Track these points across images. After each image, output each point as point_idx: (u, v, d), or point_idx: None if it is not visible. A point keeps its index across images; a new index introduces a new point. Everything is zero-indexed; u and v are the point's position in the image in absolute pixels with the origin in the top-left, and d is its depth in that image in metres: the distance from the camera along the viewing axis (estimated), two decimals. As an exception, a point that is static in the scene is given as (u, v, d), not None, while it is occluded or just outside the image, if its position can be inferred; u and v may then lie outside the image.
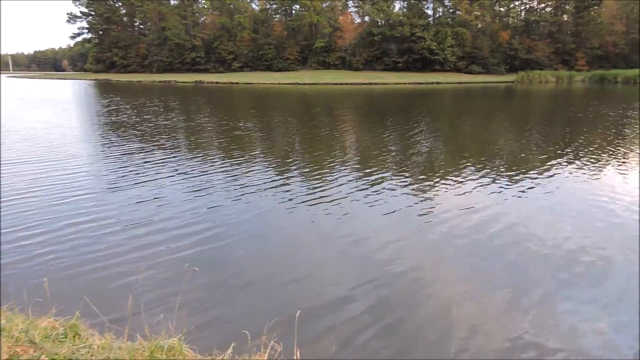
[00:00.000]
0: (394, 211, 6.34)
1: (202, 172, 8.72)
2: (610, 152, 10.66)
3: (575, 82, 53.29)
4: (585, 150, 11.02)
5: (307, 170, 8.99)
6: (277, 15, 79.02)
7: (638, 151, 10.79)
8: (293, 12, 75.85)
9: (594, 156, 10.22)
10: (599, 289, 4.16)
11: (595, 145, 11.65)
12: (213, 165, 9.29)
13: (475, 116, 20.90)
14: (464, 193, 7.30)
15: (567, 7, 69.58)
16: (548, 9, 71.96)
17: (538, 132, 14.74)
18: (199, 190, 7.44)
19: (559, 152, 10.82)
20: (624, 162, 9.60)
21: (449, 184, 7.82)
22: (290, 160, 10.07)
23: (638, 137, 12.93)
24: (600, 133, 14.05)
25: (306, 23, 72.45)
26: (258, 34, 73.75)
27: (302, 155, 10.64)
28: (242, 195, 7.15)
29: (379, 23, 70.79)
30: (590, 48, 65.93)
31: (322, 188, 7.53)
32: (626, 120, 17.19)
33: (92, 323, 3.07)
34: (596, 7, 67.48)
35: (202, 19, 79.64)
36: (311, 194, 7.21)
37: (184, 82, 56.09)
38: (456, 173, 8.67)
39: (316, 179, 8.16)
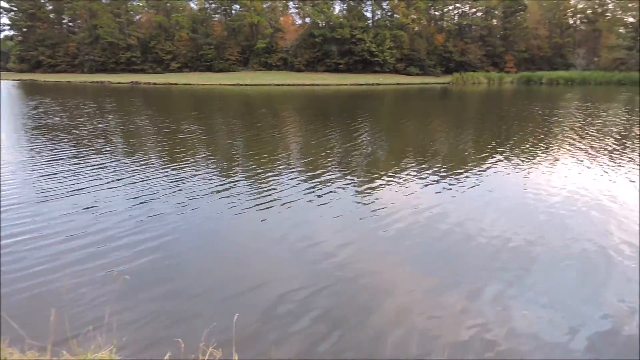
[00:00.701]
0: (341, 214, 6.41)
1: (144, 178, 8.36)
2: (542, 149, 11.41)
3: (505, 83, 56.45)
4: (520, 147, 11.73)
5: (253, 173, 8.88)
6: (217, 15, 77.40)
7: (566, 147, 11.61)
8: (233, 12, 74.68)
9: (528, 153, 10.89)
10: (545, 282, 4.42)
11: (528, 143, 12.44)
12: (155, 171, 8.94)
13: (416, 116, 21.61)
14: (410, 192, 7.52)
15: (496, 12, 73.50)
16: (479, 14, 75.64)
17: (475, 131, 15.50)
18: (140, 197, 7.12)
19: (497, 149, 11.43)
20: (555, 159, 10.29)
21: (395, 184, 8.02)
22: (235, 163, 9.91)
23: (562, 134, 13.90)
24: (531, 131, 15.00)
25: (247, 23, 71.54)
26: (197, 34, 71.86)
27: (247, 158, 10.49)
28: (187, 201, 6.94)
29: (320, 25, 71.30)
30: (518, 51, 70.05)
31: (269, 191, 7.47)
32: (554, 118, 18.47)
33: (13, 340, 2.85)
34: (522, 13, 71.77)
35: (137, 17, 76.38)
36: (258, 197, 7.13)
37: (119, 83, 53.55)
38: (401, 172, 8.90)
39: (263, 183, 8.08)
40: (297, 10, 78.73)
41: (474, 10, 76.53)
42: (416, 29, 74.34)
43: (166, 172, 8.83)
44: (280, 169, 9.18)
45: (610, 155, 10.46)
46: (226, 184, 7.97)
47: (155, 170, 9.00)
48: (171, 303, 3.95)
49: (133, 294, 4.04)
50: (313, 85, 52.32)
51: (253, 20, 70.05)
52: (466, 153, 11.28)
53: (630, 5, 67.86)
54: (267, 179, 8.29)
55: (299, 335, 3.50)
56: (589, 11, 72.29)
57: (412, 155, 10.72)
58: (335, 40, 67.68)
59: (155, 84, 52.46)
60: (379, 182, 8.21)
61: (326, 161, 9.98)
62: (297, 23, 77.72)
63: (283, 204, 6.75)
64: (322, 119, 19.53)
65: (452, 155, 10.91)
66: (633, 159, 9.98)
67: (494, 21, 74.75)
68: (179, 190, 7.52)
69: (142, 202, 6.80)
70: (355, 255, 4.99)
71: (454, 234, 5.62)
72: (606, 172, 8.87)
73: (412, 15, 71.89)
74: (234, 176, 8.58)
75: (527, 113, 21.05)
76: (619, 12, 70.44)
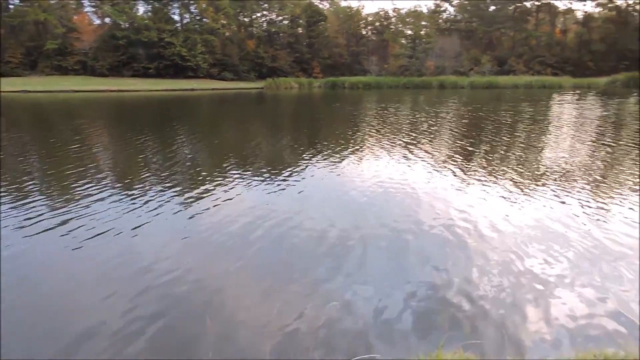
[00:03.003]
0: (163, 228, 5.82)
1: None
2: (352, 145, 12.41)
3: (314, 87, 60.62)
4: (334, 144, 12.55)
5: (52, 191, 7.55)
6: (-11, 10, 65.00)
7: (372, 142, 12.85)
8: (11, 7, 63.63)
9: (341, 149, 11.71)
10: (364, 268, 4.66)
11: (341, 140, 13.42)
12: None
13: (236, 121, 21.53)
14: (232, 197, 7.27)
15: (301, 21, 78.54)
16: (285, 22, 79.73)
17: (293, 132, 16.12)
18: None
19: (315, 147, 11.99)
20: (364, 153, 11.27)
21: (219, 190, 7.69)
22: (29, 184, 8.23)
23: (368, 131, 15.42)
24: (342, 129, 16.27)
25: (30, 21, 61.77)
26: (-38, 31, 59.20)
27: (46, 178, 8.86)
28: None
29: (123, 26, 65.84)
30: (323, 58, 76.15)
31: (78, 214, 6.38)
32: (360, 118, 20.42)
33: None
34: (323, 23, 78.13)
35: None
36: (66, 222, 5.99)
37: None
38: (224, 178, 8.62)
39: (67, 204, 6.87)
40: (94, 9, 71.26)
41: (281, 18, 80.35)
42: (227, 34, 74.62)
43: None
44: (88, 188, 7.95)
45: (407, 147, 11.92)
46: (25, 211, 6.52)
47: None
48: None
49: None
50: (120, 91, 48.06)
51: (38, 17, 60.83)
52: (287, 153, 11.65)
53: (407, 20, 79.73)
54: (72, 199, 7.08)
55: None
56: (377, 23, 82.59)
57: (234, 160, 10.56)
58: (142, 43, 63.41)
59: None
60: (201, 190, 7.78)
61: (142, 174, 9.08)
62: (95, 23, 70.43)
63: (91, 227, 5.76)
64: (134, 128, 17.89)
65: (273, 156, 11.12)
66: (426, 150, 11.52)
67: (300, 29, 79.67)
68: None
69: None
70: (184, 268, 4.57)
71: (281, 231, 5.65)
72: (405, 161, 10.09)
73: (221, 21, 71.85)
74: (30, 202, 7.09)
75: (336, 113, 22.90)
76: (400, 26, 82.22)
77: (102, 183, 8.43)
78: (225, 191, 7.75)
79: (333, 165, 9.99)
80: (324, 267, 4.70)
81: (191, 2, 69.66)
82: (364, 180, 8.46)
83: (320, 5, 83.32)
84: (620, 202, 6.79)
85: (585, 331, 3.46)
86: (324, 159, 10.59)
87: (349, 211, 6.57)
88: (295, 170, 9.42)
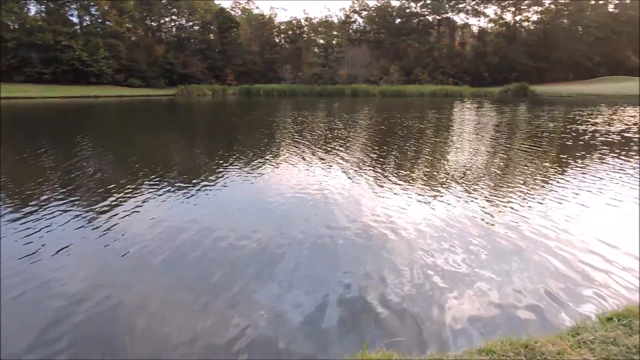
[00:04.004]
0: (71, 244, 5.33)
1: None
2: (270, 153, 12.34)
3: (228, 95, 59.63)
4: (252, 151, 12.38)
5: None
6: None
7: (289, 149, 12.87)
8: None
9: (259, 157, 11.58)
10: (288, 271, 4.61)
11: (259, 148, 13.28)
12: None
13: (147, 130, 20.48)
14: (149, 212, 6.87)
15: (212, 27, 76.96)
16: (196, 28, 77.68)
17: (210, 141, 15.69)
18: None
19: (232, 155, 11.75)
20: (281, 161, 11.24)
21: (132, 207, 7.21)
22: None
23: (285, 138, 15.45)
24: (259, 137, 16.14)
25: None
26: None
27: None
28: None
29: (12, 27, 59.86)
30: (236, 65, 75.13)
31: None
32: (277, 125, 20.39)
33: None
34: (235, 29, 77.21)
35: None
36: None
37: None
38: (136, 190, 8.13)
39: None
40: (-24, 8, 63.94)
41: (191, 23, 78.19)
42: (133, 38, 71.00)
43: None
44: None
45: (324, 154, 12.11)
46: None
47: None
48: None
49: None
50: (10, 98, 43.54)
51: None
52: (205, 163, 11.29)
53: (319, 29, 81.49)
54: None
55: None
56: (290, 32, 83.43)
57: (147, 173, 9.94)
58: (35, 46, 58.09)
59: None
60: (113, 206, 7.23)
61: (43, 192, 8.25)
62: (-23, 23, 63.21)
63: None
64: (29, 140, 16.24)
65: (190, 167, 10.72)
66: (343, 157, 11.76)
67: (212, 36, 78.05)
68: None
69: None
70: (99, 289, 4.20)
71: (202, 245, 5.43)
72: (323, 168, 10.24)
73: (126, 24, 68.19)
74: None
75: (254, 121, 22.69)
76: (313, 35, 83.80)
77: (-9, 200, 7.56)
78: (140, 206, 7.31)
79: (252, 174, 9.86)
80: (249, 278, 4.60)
81: (91, 3, 65.15)
82: (283, 188, 8.45)
83: (233, 12, 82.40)
84: (519, 200, 7.47)
85: (493, 321, 3.75)
86: (243, 168, 10.43)
87: (269, 220, 6.52)
88: (215, 180, 9.15)
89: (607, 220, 6.36)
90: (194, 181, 9.03)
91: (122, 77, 65.15)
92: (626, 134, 15.85)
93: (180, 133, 19.10)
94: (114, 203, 7.41)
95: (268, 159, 11.63)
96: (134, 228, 6.12)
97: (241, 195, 8.14)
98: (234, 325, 3.71)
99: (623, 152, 11.92)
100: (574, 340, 2.87)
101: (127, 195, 7.90)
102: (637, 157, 11.39)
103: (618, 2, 79.72)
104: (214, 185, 8.74)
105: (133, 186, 8.65)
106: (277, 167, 10.59)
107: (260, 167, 10.61)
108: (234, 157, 11.92)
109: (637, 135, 15.59)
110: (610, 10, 79.89)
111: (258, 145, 14.27)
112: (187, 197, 7.77)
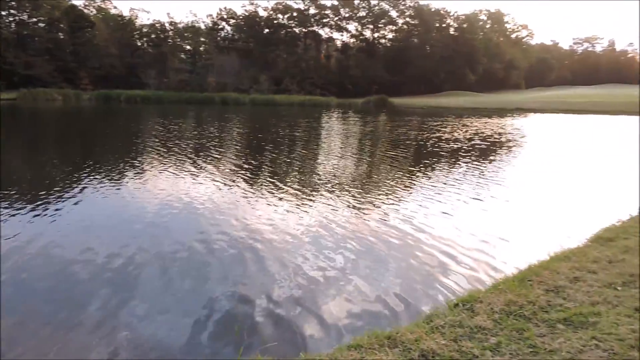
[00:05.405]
0: None
1: None
2: (133, 164, 11.51)
3: (83, 100, 54.28)
4: (115, 164, 11.44)
5: None
6: None
7: (157, 159, 12.09)
8: None
9: (123, 170, 10.71)
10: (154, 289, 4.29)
11: (123, 159, 12.36)
12: None
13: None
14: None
15: (62, 26, 69.28)
16: (42, 25, 69.20)
17: (64, 152, 14.08)
18: None
19: (91, 167, 10.64)
20: (147, 172, 10.50)
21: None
22: None
23: (153, 148, 14.51)
24: (125, 147, 14.95)
25: None
26: None
27: None
28: None
29: None
30: (93, 68, 68.57)
31: None
32: (142, 134, 19.06)
33: None
34: (90, 29, 70.52)
35: None
36: None
37: None
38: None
39: None
40: None
41: (35, 20, 69.48)
42: (-41, 32, 60.81)
43: None
44: None
45: (194, 164, 11.67)
46: None
47: None
48: None
49: None
50: None
51: None
52: (60, 176, 10.14)
53: (186, 34, 78.72)
54: None
55: None
56: (153, 35, 79.11)
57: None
58: None
59: None
60: None
61: None
62: None
63: None
64: None
65: (42, 182, 9.54)
66: (215, 166, 11.42)
67: (61, 35, 70.23)
68: None
69: None
70: None
71: (60, 267, 4.91)
72: (194, 178, 9.87)
73: (-51, 15, 58.06)
74: None
75: (115, 130, 21.01)
76: (179, 40, 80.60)
77: None
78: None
79: (115, 187, 9.15)
80: (115, 298, 4.25)
81: None
82: (151, 200, 7.96)
83: (86, 11, 75.27)
84: (386, 203, 8.07)
85: (361, 318, 3.99)
86: (105, 181, 9.55)
87: (138, 234, 6.10)
88: (73, 194, 8.23)
89: (465, 217, 7.20)
90: (49, 197, 8.01)
91: (-56, 77, 55.10)
92: (474, 141, 18.23)
93: (27, 143, 16.80)
94: None
95: (134, 170, 10.96)
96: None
97: (104, 210, 7.49)
98: (92, 352, 3.41)
99: (474, 157, 13.74)
100: (428, 327, 3.19)
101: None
102: (486, 161, 13.18)
103: (457, 26, 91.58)
104: (73, 199, 7.89)
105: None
106: (144, 179, 9.98)
107: (126, 179, 9.94)
108: (95, 169, 10.88)
109: (483, 143, 18.04)
110: (452, 33, 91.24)
111: (122, 156, 13.34)
112: (40, 216, 6.83)
